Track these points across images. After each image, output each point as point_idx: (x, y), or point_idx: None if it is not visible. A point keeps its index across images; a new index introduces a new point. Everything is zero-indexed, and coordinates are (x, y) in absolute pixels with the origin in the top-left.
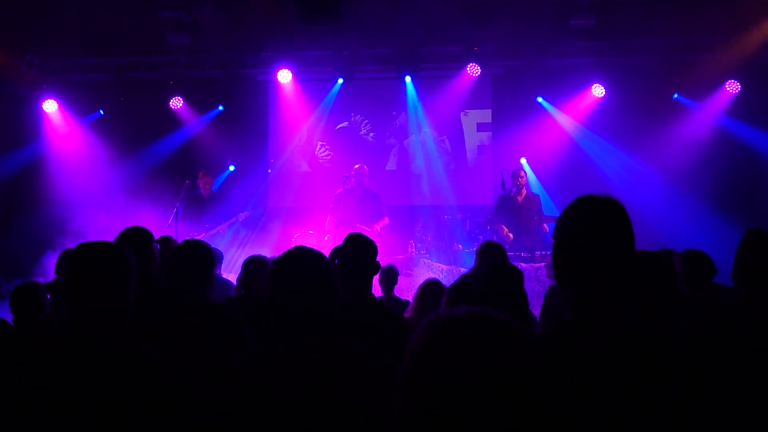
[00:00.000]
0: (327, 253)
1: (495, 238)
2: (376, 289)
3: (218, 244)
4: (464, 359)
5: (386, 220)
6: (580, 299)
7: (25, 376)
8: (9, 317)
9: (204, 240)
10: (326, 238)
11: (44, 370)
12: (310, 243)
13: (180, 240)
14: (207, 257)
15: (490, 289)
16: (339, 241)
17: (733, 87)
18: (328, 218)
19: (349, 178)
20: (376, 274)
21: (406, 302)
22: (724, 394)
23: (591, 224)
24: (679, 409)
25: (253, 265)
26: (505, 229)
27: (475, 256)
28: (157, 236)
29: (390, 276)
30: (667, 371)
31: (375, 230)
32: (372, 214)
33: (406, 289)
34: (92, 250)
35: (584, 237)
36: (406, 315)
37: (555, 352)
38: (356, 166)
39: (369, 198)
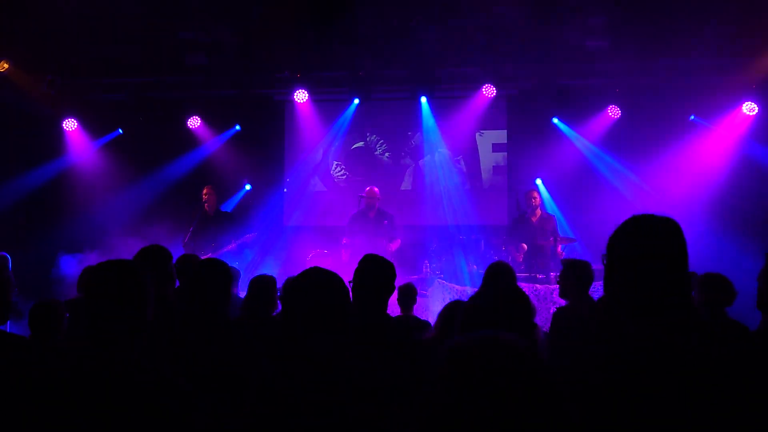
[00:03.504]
0: (347, 273)
1: (509, 259)
2: (395, 309)
3: (230, 264)
4: (488, 385)
5: (398, 243)
6: (638, 315)
7: (39, 393)
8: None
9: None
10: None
11: (59, 388)
12: (326, 262)
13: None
14: (226, 276)
15: (501, 315)
16: (356, 264)
17: (749, 108)
18: (344, 240)
19: (362, 199)
20: (391, 295)
21: (425, 322)
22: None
23: (651, 242)
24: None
25: (258, 285)
26: (521, 253)
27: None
28: (173, 254)
29: (407, 294)
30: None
31: (389, 250)
32: (386, 235)
33: (421, 310)
34: (111, 269)
35: (643, 255)
36: (428, 336)
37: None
38: (367, 189)
39: (383, 219)
